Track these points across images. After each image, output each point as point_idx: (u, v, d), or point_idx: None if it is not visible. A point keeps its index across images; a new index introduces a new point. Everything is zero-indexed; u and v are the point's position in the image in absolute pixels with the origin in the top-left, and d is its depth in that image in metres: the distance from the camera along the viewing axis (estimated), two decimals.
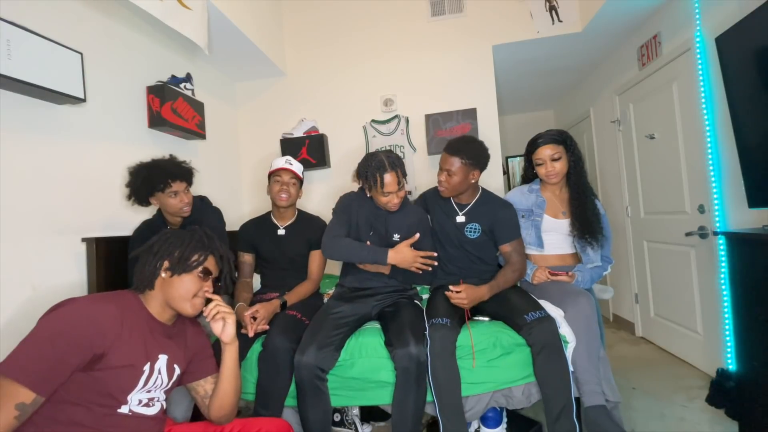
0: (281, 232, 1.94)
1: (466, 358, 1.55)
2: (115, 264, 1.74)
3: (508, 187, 4.81)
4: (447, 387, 1.47)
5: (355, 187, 1.91)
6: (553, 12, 2.79)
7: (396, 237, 1.77)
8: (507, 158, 4.96)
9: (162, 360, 1.08)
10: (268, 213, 2.01)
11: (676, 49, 2.40)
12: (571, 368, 1.50)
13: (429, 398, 1.52)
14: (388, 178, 1.66)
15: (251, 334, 1.59)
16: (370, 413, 1.93)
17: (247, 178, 3.07)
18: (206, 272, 1.15)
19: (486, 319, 1.68)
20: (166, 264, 1.11)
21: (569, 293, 1.64)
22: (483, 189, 1.88)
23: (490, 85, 2.92)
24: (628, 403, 2.06)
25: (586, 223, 1.78)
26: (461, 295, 1.60)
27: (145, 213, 1.89)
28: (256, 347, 1.63)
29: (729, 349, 1.94)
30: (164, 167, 1.69)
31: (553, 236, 1.86)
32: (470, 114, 2.78)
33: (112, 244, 1.76)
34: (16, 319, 1.41)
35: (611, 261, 1.88)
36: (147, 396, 1.06)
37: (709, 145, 2.15)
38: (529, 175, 1.95)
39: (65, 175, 1.65)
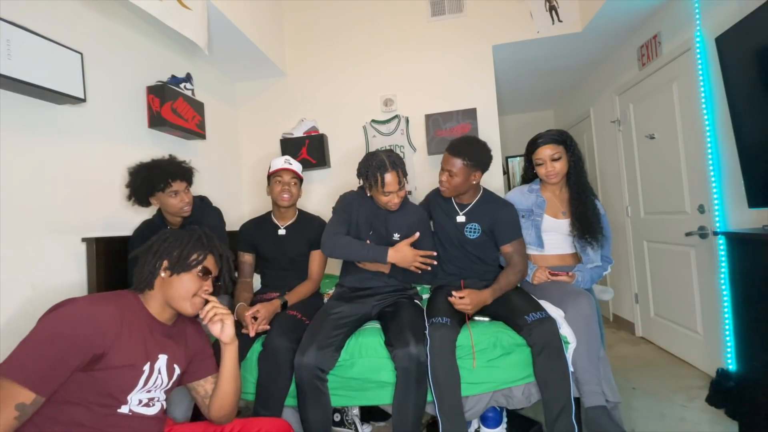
0: (282, 232, 1.94)
1: (466, 358, 1.55)
2: (115, 264, 1.74)
3: (508, 187, 4.81)
4: (446, 386, 1.47)
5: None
6: (553, 12, 2.79)
7: (396, 236, 1.77)
8: (507, 158, 4.96)
9: (162, 360, 1.08)
10: (269, 213, 2.01)
11: (676, 49, 2.40)
12: (571, 368, 1.51)
13: (429, 398, 1.52)
14: (389, 177, 1.66)
15: (252, 334, 1.59)
16: (370, 413, 1.92)
17: (247, 178, 3.07)
18: (206, 271, 1.15)
19: (486, 319, 1.68)
20: (165, 264, 1.11)
21: (569, 293, 1.64)
22: (484, 189, 1.87)
23: (490, 85, 2.92)
24: (628, 403, 2.06)
25: (586, 223, 1.78)
26: (465, 300, 1.59)
27: (145, 213, 1.89)
28: (257, 347, 1.63)
29: (729, 349, 1.94)
30: (164, 167, 1.69)
31: (553, 236, 1.86)
32: (470, 114, 2.78)
33: (112, 244, 1.76)
34: (16, 319, 1.41)
35: (611, 261, 1.88)
36: (147, 396, 1.06)
37: (709, 145, 2.15)
38: (529, 175, 1.95)
39: (65, 175, 1.65)
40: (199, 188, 2.19)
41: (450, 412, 1.46)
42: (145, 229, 1.75)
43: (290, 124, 2.98)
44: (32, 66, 1.41)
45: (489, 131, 2.83)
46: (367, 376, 1.57)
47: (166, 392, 1.13)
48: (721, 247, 2.00)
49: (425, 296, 1.97)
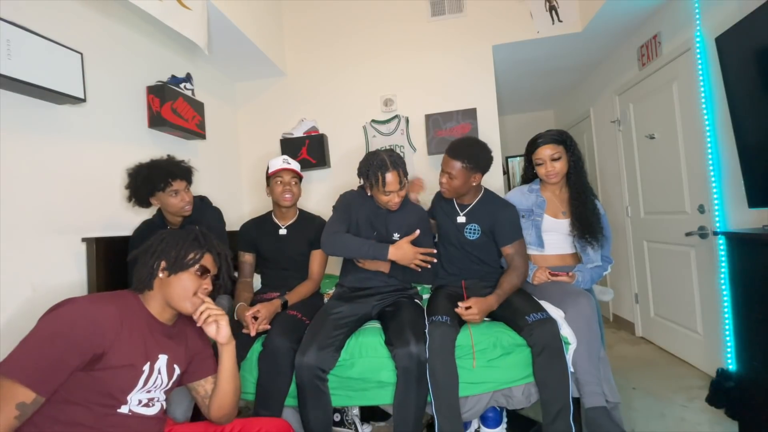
0: (283, 231, 1.93)
1: (466, 357, 1.55)
2: (115, 264, 1.74)
3: (508, 187, 4.81)
4: (444, 384, 1.47)
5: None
6: (553, 12, 2.79)
7: (396, 236, 1.77)
8: (507, 158, 4.96)
9: (162, 360, 1.08)
10: (269, 213, 2.01)
11: (676, 49, 2.40)
12: (571, 369, 1.50)
13: (430, 398, 1.52)
14: (390, 177, 1.66)
15: (253, 334, 1.59)
16: (370, 413, 1.92)
17: (247, 178, 3.07)
18: (204, 270, 1.15)
19: (486, 319, 1.68)
20: (163, 264, 1.11)
21: (569, 294, 1.64)
22: (486, 190, 1.87)
23: (490, 85, 2.92)
24: (628, 403, 2.06)
25: (586, 223, 1.78)
26: (473, 311, 1.56)
27: (145, 213, 1.89)
28: (257, 347, 1.63)
29: (729, 349, 1.94)
30: (164, 167, 1.69)
31: (553, 236, 1.86)
32: (470, 114, 2.78)
33: (112, 244, 1.76)
34: (16, 319, 1.41)
35: (611, 261, 1.88)
36: (147, 396, 1.06)
37: (709, 145, 2.15)
38: (529, 175, 1.95)
39: (65, 175, 1.65)
40: (199, 188, 2.19)
41: (447, 411, 1.46)
42: (145, 230, 1.75)
43: (290, 124, 2.98)
44: (32, 66, 1.41)
45: (489, 131, 2.83)
46: (368, 375, 1.57)
47: (165, 392, 1.13)
48: (721, 247, 2.00)
49: (425, 296, 1.97)
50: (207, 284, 1.15)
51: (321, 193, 2.98)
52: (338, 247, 1.70)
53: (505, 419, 1.71)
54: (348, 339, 1.62)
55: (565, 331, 1.55)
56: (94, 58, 1.80)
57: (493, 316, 1.68)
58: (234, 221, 2.42)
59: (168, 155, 1.80)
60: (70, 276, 1.65)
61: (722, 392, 1.82)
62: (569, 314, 1.59)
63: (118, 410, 1.00)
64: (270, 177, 1.89)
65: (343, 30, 3.04)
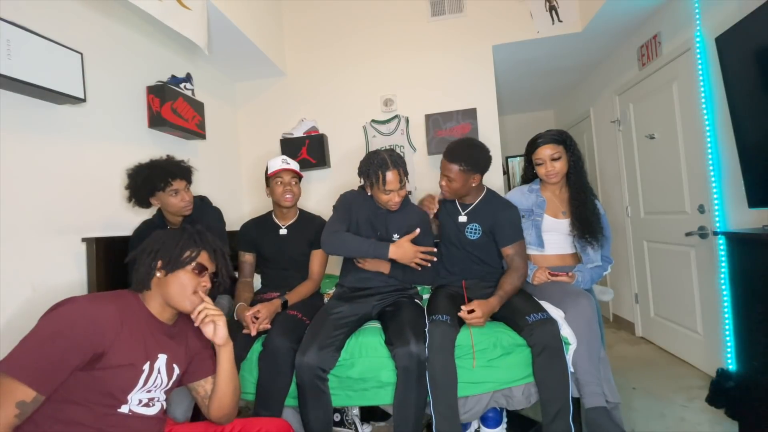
0: (283, 231, 1.93)
1: (465, 357, 1.55)
2: (115, 264, 1.73)
3: (508, 187, 4.81)
4: (443, 383, 1.47)
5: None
6: (553, 12, 2.79)
7: (396, 237, 1.77)
8: (507, 158, 4.96)
9: (161, 359, 1.09)
10: (269, 213, 2.01)
11: (676, 49, 2.40)
12: (571, 369, 1.50)
13: (430, 398, 1.52)
14: (390, 175, 1.66)
15: (254, 333, 1.59)
16: (370, 413, 1.92)
17: (247, 178, 3.07)
18: (201, 268, 1.15)
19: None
20: (159, 263, 1.12)
21: (569, 294, 1.64)
22: (488, 189, 1.86)
23: (490, 85, 2.92)
24: (628, 403, 2.06)
25: (586, 222, 1.78)
26: (476, 314, 1.55)
27: (145, 213, 1.89)
28: (257, 347, 1.63)
29: (729, 349, 1.94)
30: (164, 166, 1.70)
31: (553, 236, 1.86)
32: (470, 114, 2.78)
33: (112, 244, 1.76)
34: (16, 319, 1.41)
35: (611, 261, 1.88)
36: (147, 396, 1.06)
37: (709, 145, 2.15)
38: (529, 175, 1.95)
39: (65, 175, 1.65)
40: (199, 188, 2.19)
41: (445, 410, 1.46)
42: (145, 230, 1.75)
43: (290, 124, 2.98)
44: (32, 66, 1.41)
45: (489, 131, 2.83)
46: (368, 375, 1.57)
47: (166, 392, 1.13)
48: (721, 247, 2.00)
49: (425, 296, 1.97)
50: (205, 282, 1.15)
51: (321, 193, 2.98)
52: (338, 246, 1.69)
53: (505, 419, 1.71)
54: (348, 339, 1.62)
55: (566, 331, 1.54)
56: (94, 58, 1.80)
57: (494, 316, 1.68)
58: (234, 221, 2.42)
59: (167, 155, 1.80)
60: (70, 276, 1.65)
61: (722, 392, 1.82)
62: (569, 314, 1.58)
63: (118, 410, 1.00)
64: (270, 178, 1.89)
65: (343, 30, 3.04)
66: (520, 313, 1.58)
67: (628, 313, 3.31)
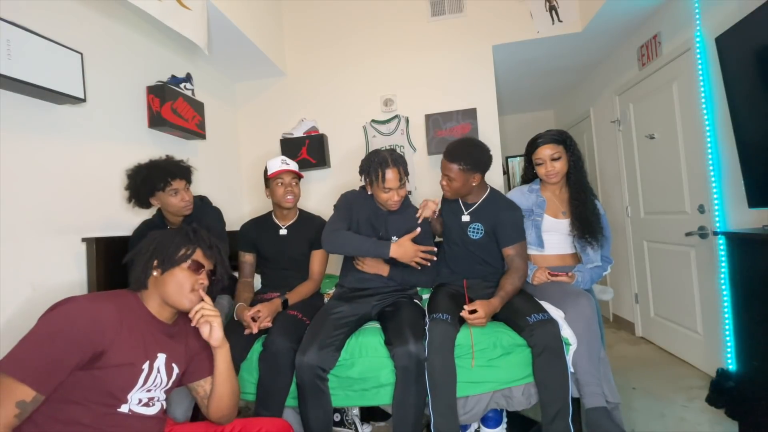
0: (283, 232, 1.93)
1: (465, 357, 1.55)
2: (115, 264, 1.72)
3: (508, 187, 4.81)
4: (442, 382, 1.47)
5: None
6: (553, 12, 2.79)
7: (395, 238, 1.77)
8: (507, 158, 4.96)
9: (161, 359, 1.09)
10: (269, 213, 2.01)
11: (676, 49, 2.40)
12: (571, 369, 1.50)
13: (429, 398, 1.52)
14: (390, 174, 1.66)
15: (255, 331, 1.59)
16: (370, 413, 1.92)
17: (247, 178, 3.07)
18: (197, 265, 1.15)
19: None
20: (155, 262, 1.12)
21: (569, 294, 1.64)
22: (491, 189, 1.86)
23: (490, 85, 2.92)
24: (628, 403, 2.06)
25: (586, 222, 1.78)
26: (479, 314, 1.54)
27: (145, 213, 1.89)
28: (257, 347, 1.63)
29: (729, 349, 1.94)
30: (163, 166, 1.70)
31: (553, 236, 1.86)
32: (470, 114, 2.78)
33: (112, 244, 1.76)
34: (16, 318, 1.41)
35: (611, 261, 1.88)
36: (147, 395, 1.06)
37: (709, 145, 2.15)
38: (529, 175, 1.95)
39: (65, 175, 1.65)
40: (198, 188, 2.19)
41: (444, 409, 1.46)
42: (145, 230, 1.74)
43: (290, 124, 2.98)
44: (32, 66, 1.41)
45: (489, 131, 2.83)
46: (368, 375, 1.57)
47: (165, 392, 1.13)
48: (721, 247, 2.00)
49: (425, 296, 1.97)
50: (203, 279, 1.16)
51: (321, 193, 2.98)
52: (339, 244, 1.69)
53: (505, 419, 1.71)
54: (348, 339, 1.62)
55: (566, 332, 1.54)
56: (94, 58, 1.80)
57: (494, 316, 1.68)
58: (234, 221, 2.42)
59: (167, 155, 1.80)
60: (70, 276, 1.65)
61: (722, 392, 1.82)
62: (569, 315, 1.58)
63: (118, 409, 1.00)
64: (270, 179, 1.88)
65: (343, 30, 3.04)
66: (520, 313, 1.58)
67: (628, 313, 3.31)
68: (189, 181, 1.77)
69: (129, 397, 1.02)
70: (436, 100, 2.89)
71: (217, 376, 1.18)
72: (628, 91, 3.03)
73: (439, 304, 1.65)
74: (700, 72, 2.17)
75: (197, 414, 1.43)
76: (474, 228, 1.79)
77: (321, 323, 1.61)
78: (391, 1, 2.98)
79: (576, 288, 1.71)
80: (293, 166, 1.91)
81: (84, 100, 1.61)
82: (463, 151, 1.71)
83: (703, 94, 2.16)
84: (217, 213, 1.96)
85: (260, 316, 1.62)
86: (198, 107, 2.33)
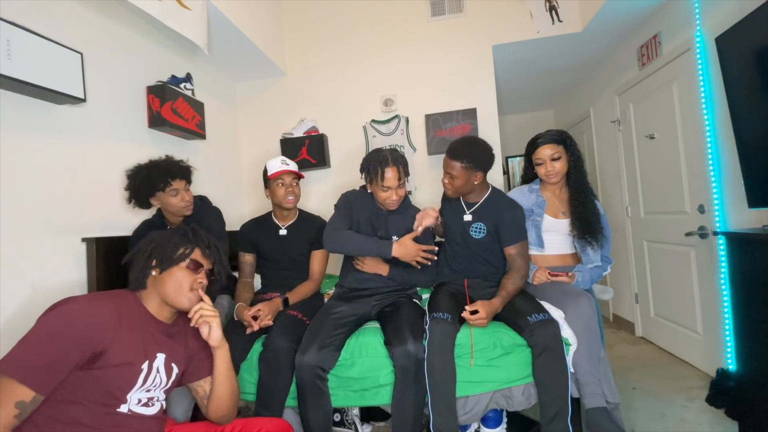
0: (283, 232, 1.93)
1: (465, 357, 1.55)
2: (115, 264, 1.72)
3: (508, 187, 4.81)
4: (442, 381, 1.47)
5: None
6: (553, 12, 2.79)
7: (395, 238, 1.77)
8: (507, 158, 4.96)
9: (160, 359, 1.09)
10: (269, 213, 2.01)
11: (676, 49, 2.40)
12: (571, 369, 1.50)
13: (428, 398, 1.51)
14: (389, 173, 1.67)
15: (256, 328, 1.60)
16: (370, 413, 1.92)
17: (247, 178, 3.07)
18: (195, 264, 1.15)
19: None
20: (154, 262, 1.12)
21: (569, 294, 1.64)
22: (493, 188, 1.85)
23: (490, 85, 2.92)
24: (628, 403, 2.06)
25: (586, 223, 1.78)
26: (480, 315, 1.54)
27: (145, 213, 1.89)
28: (257, 347, 1.63)
29: (729, 349, 1.94)
30: (163, 166, 1.70)
31: (553, 236, 1.86)
32: (470, 114, 2.78)
33: (112, 244, 1.76)
34: (16, 318, 1.41)
35: (611, 261, 1.88)
36: (146, 395, 1.06)
37: (709, 145, 2.15)
38: (529, 175, 1.95)
39: (65, 175, 1.65)
40: (198, 188, 2.19)
41: (443, 408, 1.46)
42: (145, 230, 1.74)
43: (290, 124, 2.98)
44: (32, 66, 1.41)
45: (489, 131, 2.83)
46: (368, 375, 1.57)
47: (165, 392, 1.13)
48: (721, 247, 2.00)
49: (425, 296, 1.97)
50: (201, 278, 1.16)
51: (321, 193, 2.98)
52: (341, 243, 1.69)
53: (505, 419, 1.71)
54: (348, 339, 1.62)
55: (566, 332, 1.54)
56: (94, 58, 1.80)
57: (494, 315, 1.68)
58: (234, 221, 2.42)
59: (166, 155, 1.80)
60: (70, 276, 1.65)
61: (722, 392, 1.82)
62: (569, 315, 1.58)
63: (118, 409, 1.00)
64: (270, 180, 1.87)
65: (343, 30, 3.04)
66: (521, 313, 1.58)
67: (628, 313, 3.31)
68: (189, 181, 1.77)
69: (128, 397, 1.02)
70: (436, 100, 2.89)
71: (217, 376, 1.18)
72: (628, 91, 3.03)
73: (439, 303, 1.65)
74: (700, 72, 2.17)
75: (197, 414, 1.43)
76: (476, 227, 1.79)
77: (321, 323, 1.61)
78: (391, 1, 2.98)
79: (576, 288, 1.71)
80: (293, 166, 1.91)
81: (84, 100, 1.62)
82: (466, 149, 1.71)
83: (703, 94, 2.16)
84: (217, 213, 1.96)
85: (261, 315, 1.62)
86: (198, 107, 2.33)
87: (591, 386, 1.48)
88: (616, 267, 3.05)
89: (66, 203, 1.64)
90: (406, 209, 1.84)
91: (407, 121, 2.92)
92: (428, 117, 2.81)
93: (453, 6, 2.92)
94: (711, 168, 2.14)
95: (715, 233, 2.11)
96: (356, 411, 1.85)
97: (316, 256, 1.93)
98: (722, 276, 2.00)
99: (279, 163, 1.87)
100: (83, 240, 1.70)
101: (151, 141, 2.12)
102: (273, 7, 2.91)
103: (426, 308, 1.72)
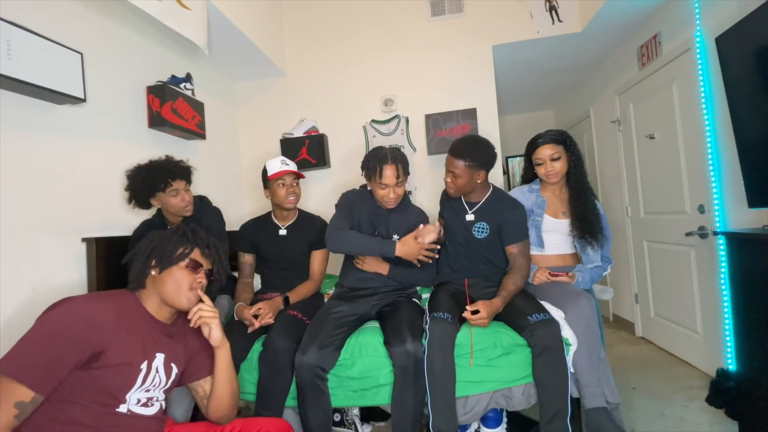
0: (282, 232, 1.93)
1: (465, 356, 1.55)
2: (115, 264, 1.72)
3: (508, 187, 4.81)
4: (441, 380, 1.47)
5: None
6: (553, 12, 2.79)
7: (395, 237, 1.78)
8: (507, 158, 4.96)
9: (159, 359, 1.09)
10: (269, 213, 2.01)
11: (676, 49, 2.40)
12: (571, 370, 1.50)
13: (428, 397, 1.51)
14: (388, 170, 1.67)
15: (257, 326, 1.60)
16: (370, 413, 1.92)
17: (247, 178, 3.07)
18: (195, 264, 1.15)
19: None
20: (154, 261, 1.12)
21: (569, 294, 1.64)
22: (494, 187, 1.85)
23: (490, 85, 2.92)
24: (628, 403, 2.06)
25: (586, 222, 1.78)
26: (482, 315, 1.54)
27: (145, 213, 1.89)
28: (257, 347, 1.63)
29: (729, 349, 1.94)
30: (163, 167, 1.69)
31: (553, 236, 1.86)
32: (470, 114, 2.78)
33: (112, 244, 1.76)
34: (16, 318, 1.41)
35: (611, 261, 1.88)
36: (146, 395, 1.06)
37: (709, 145, 2.14)
38: (529, 175, 1.95)
39: (65, 175, 1.65)
40: (198, 188, 2.19)
41: (443, 408, 1.46)
42: (145, 230, 1.74)
43: (290, 124, 2.98)
44: (32, 66, 1.41)
45: (489, 131, 2.83)
46: (368, 375, 1.57)
47: (165, 392, 1.13)
48: (721, 247, 2.00)
49: (425, 296, 1.97)
50: (201, 278, 1.16)
51: (321, 193, 2.98)
52: (344, 243, 1.69)
53: (505, 419, 1.71)
54: (348, 338, 1.62)
55: (566, 332, 1.54)
56: (94, 58, 1.80)
57: (495, 315, 1.68)
58: (234, 221, 2.42)
59: (166, 155, 1.80)
60: (70, 276, 1.65)
61: (722, 392, 1.82)
62: (569, 315, 1.58)
63: (117, 410, 1.00)
64: (270, 180, 1.87)
65: (343, 30, 3.04)
66: (521, 313, 1.58)
67: (628, 313, 3.31)
68: (189, 182, 1.77)
69: (127, 397, 1.02)
70: (436, 100, 2.89)
71: (218, 376, 1.18)
72: (628, 91, 3.03)
73: (439, 303, 1.65)
74: (700, 72, 2.17)
75: (197, 414, 1.43)
76: (479, 227, 1.78)
77: (321, 323, 1.61)
78: (391, 1, 2.98)
79: (576, 288, 1.71)
80: (293, 166, 1.90)
81: (84, 100, 1.62)
82: (470, 148, 1.70)
83: (703, 94, 2.16)
84: (217, 213, 1.95)
85: (262, 313, 1.62)
86: (198, 107, 2.33)
87: (591, 386, 1.48)
88: (616, 267, 3.05)
89: (66, 203, 1.64)
90: (406, 208, 1.84)
91: (407, 121, 2.91)
92: (428, 117, 2.81)
93: (453, 6, 2.92)
94: (711, 168, 2.14)
95: (715, 233, 2.11)
96: (356, 411, 1.85)
97: (317, 256, 1.93)
98: (722, 276, 2.00)
99: (279, 164, 1.87)
100: (83, 240, 1.70)
101: (151, 141, 2.12)
102: (273, 7, 2.91)
103: (426, 308, 1.72)
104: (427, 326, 1.55)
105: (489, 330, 1.60)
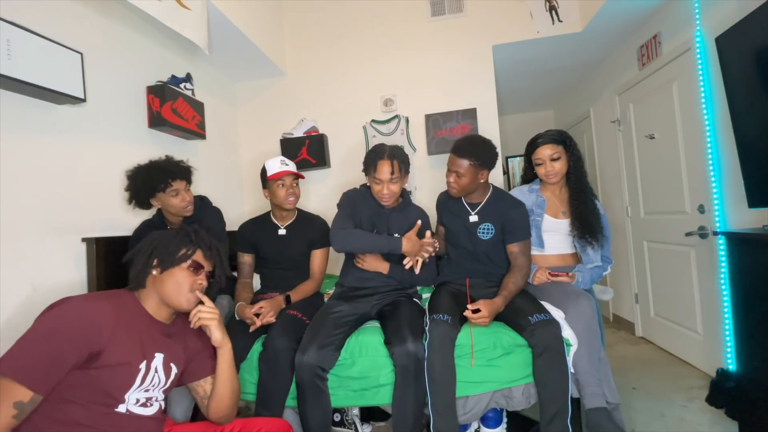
0: (282, 232, 1.93)
1: (465, 357, 1.55)
2: (115, 264, 1.73)
3: (508, 187, 4.81)
4: (441, 381, 1.47)
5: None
6: (553, 12, 2.79)
7: (397, 236, 1.77)
8: (507, 158, 4.96)
9: (158, 359, 1.08)
10: (268, 213, 2.00)
11: (676, 49, 2.40)
12: (571, 370, 1.50)
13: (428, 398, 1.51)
14: (383, 165, 1.67)
15: (258, 325, 1.60)
16: (370, 413, 1.92)
17: (247, 178, 3.07)
18: (197, 266, 1.15)
19: None
20: (155, 261, 1.12)
21: (570, 294, 1.64)
22: (494, 187, 1.85)
23: (490, 85, 2.92)
24: (628, 403, 2.06)
25: (586, 222, 1.78)
26: (483, 314, 1.54)
27: (145, 213, 1.89)
28: (257, 347, 1.63)
29: (729, 349, 1.94)
30: (163, 167, 1.69)
31: (553, 236, 1.86)
32: (470, 114, 2.78)
33: (112, 244, 1.76)
34: (16, 318, 1.41)
35: (611, 261, 1.88)
36: (145, 395, 1.06)
37: (709, 145, 2.14)
38: (529, 175, 1.95)
39: (65, 175, 1.65)
40: (199, 188, 2.20)
41: (443, 409, 1.46)
42: (145, 230, 1.74)
43: (290, 124, 2.98)
44: (32, 66, 1.41)
45: (489, 131, 2.83)
46: (368, 374, 1.57)
47: (164, 392, 1.13)
48: (721, 247, 2.00)
49: (425, 296, 1.97)
50: (201, 280, 1.16)
51: (321, 193, 2.98)
52: (350, 242, 1.69)
53: (505, 419, 1.71)
54: (348, 338, 1.62)
55: (567, 332, 1.54)
56: (94, 58, 1.80)
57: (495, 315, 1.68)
58: (234, 221, 2.42)
59: (166, 155, 1.80)
60: (70, 276, 1.65)
61: (722, 392, 1.82)
62: (570, 315, 1.58)
63: (116, 409, 1.00)
64: (270, 180, 1.86)
65: (343, 30, 3.04)
66: (522, 313, 1.58)
67: (628, 313, 3.31)
68: (189, 182, 1.77)
69: (126, 397, 1.02)
70: (436, 100, 2.89)
71: (219, 376, 1.18)
72: (628, 91, 3.03)
73: (440, 304, 1.64)
74: (700, 72, 2.17)
75: (197, 414, 1.43)
76: (484, 228, 1.77)
77: (321, 323, 1.61)
78: (391, 1, 2.98)
79: (576, 288, 1.71)
80: (292, 166, 1.90)
81: (84, 100, 1.62)
82: (473, 147, 1.70)
83: (703, 94, 2.16)
84: (217, 213, 1.96)
85: (263, 312, 1.62)
86: (198, 107, 2.33)
87: (591, 386, 1.48)
88: (616, 267, 3.05)
89: (66, 203, 1.64)
90: (407, 207, 1.84)
91: (407, 121, 2.91)
92: (428, 117, 2.81)
93: (453, 6, 2.92)
94: (711, 168, 2.14)
95: (715, 233, 2.11)
96: (356, 411, 1.85)
97: (317, 256, 1.93)
98: (722, 276, 1.99)
99: (278, 164, 1.86)
100: (83, 240, 1.70)
101: (151, 141, 2.12)
102: (273, 7, 2.91)
103: (426, 308, 1.72)
104: (427, 328, 1.55)
105: (489, 330, 1.60)
